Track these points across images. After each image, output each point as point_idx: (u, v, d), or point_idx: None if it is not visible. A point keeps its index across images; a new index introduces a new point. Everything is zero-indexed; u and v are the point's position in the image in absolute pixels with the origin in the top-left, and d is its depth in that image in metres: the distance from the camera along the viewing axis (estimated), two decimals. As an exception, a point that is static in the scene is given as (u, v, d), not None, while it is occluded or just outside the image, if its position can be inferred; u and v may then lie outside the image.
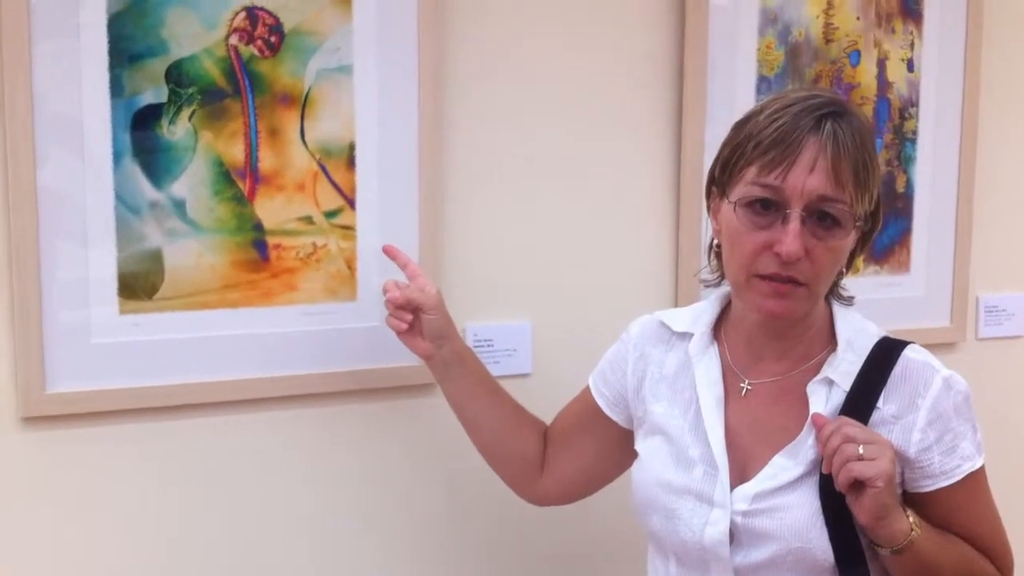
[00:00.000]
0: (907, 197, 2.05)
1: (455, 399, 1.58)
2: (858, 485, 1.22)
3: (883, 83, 2.00)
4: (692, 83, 1.83)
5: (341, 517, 1.70)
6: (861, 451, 1.21)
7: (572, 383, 1.68)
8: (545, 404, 1.65)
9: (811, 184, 1.24)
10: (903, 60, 2.01)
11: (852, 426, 1.25)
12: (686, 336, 1.43)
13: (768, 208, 1.26)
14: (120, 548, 1.57)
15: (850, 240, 1.30)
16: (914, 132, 2.04)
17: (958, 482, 1.30)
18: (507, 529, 1.80)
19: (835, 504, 1.26)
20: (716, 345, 1.41)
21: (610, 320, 1.81)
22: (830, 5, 1.93)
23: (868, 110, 1.99)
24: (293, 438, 1.65)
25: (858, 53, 1.97)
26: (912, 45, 2.01)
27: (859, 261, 1.99)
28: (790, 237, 1.23)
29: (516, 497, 1.65)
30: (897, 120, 2.02)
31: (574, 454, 1.56)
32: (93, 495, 1.55)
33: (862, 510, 1.23)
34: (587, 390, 1.56)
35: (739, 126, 1.33)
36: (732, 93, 1.86)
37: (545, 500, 1.61)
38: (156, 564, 1.59)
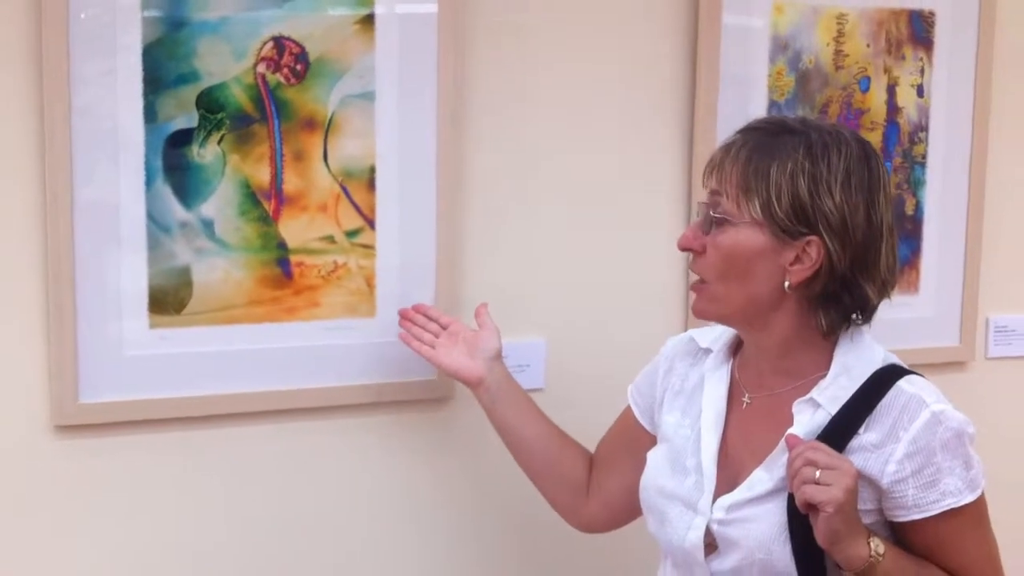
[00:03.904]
0: (916, 220, 2.09)
1: (507, 422, 1.64)
2: (815, 507, 1.26)
3: (892, 108, 2.04)
4: (704, 108, 1.88)
5: (360, 526, 1.76)
6: (817, 475, 1.25)
7: (585, 398, 1.74)
8: (558, 418, 1.70)
9: (708, 183, 1.40)
10: (913, 86, 2.05)
11: (817, 450, 1.28)
12: (708, 352, 1.50)
13: None
14: (148, 553, 1.64)
15: (739, 239, 1.35)
16: (923, 156, 2.08)
17: (937, 516, 1.31)
18: (525, 537, 1.85)
19: (802, 522, 1.30)
20: (730, 362, 1.47)
21: (622, 337, 1.87)
22: (840, 33, 1.98)
23: (877, 135, 2.03)
24: (314, 449, 1.72)
25: (868, 80, 2.01)
26: (922, 71, 2.06)
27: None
28: (686, 229, 1.43)
29: (531, 507, 1.71)
30: (907, 144, 2.06)
31: (618, 475, 1.59)
32: (123, 502, 1.62)
33: (818, 532, 1.27)
34: (627, 407, 1.61)
35: None
36: (743, 117, 1.86)
37: (593, 525, 1.65)
38: (182, 569, 1.66)
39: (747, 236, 1.35)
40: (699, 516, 1.39)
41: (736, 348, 1.49)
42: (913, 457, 1.31)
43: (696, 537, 1.39)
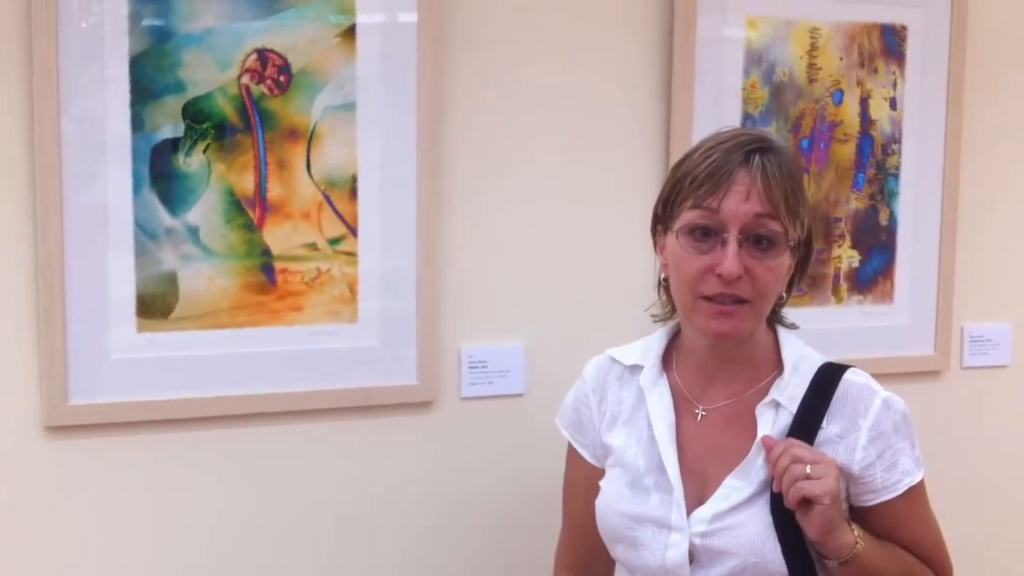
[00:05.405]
0: (890, 230, 2.13)
1: None
2: (807, 502, 1.30)
3: (866, 120, 2.09)
4: (679, 120, 1.93)
5: (341, 527, 1.79)
6: (808, 471, 1.29)
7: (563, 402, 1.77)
8: (538, 422, 1.74)
9: (745, 208, 1.34)
10: (886, 99, 2.10)
11: (799, 447, 1.33)
12: (637, 369, 1.50)
13: (708, 235, 1.36)
14: (135, 551, 1.68)
15: (786, 260, 1.39)
16: (896, 167, 2.13)
17: (899, 495, 1.38)
18: (506, 537, 1.88)
19: (785, 520, 1.33)
20: (666, 375, 1.48)
21: (599, 342, 1.88)
22: (813, 47, 2.03)
23: (851, 147, 2.08)
24: (297, 451, 1.75)
25: (841, 92, 2.06)
26: (895, 84, 2.10)
27: (843, 290, 2.10)
28: (729, 258, 1.33)
29: (512, 507, 1.75)
30: (880, 156, 2.11)
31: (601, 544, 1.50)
32: (110, 501, 1.66)
33: (811, 526, 1.30)
34: (571, 461, 1.57)
35: (676, 166, 1.43)
36: (719, 128, 1.95)
37: None
38: (168, 566, 1.69)
39: (788, 256, 1.39)
40: (675, 533, 1.39)
41: (667, 362, 1.49)
42: (875, 442, 1.37)
43: (679, 554, 1.38)
